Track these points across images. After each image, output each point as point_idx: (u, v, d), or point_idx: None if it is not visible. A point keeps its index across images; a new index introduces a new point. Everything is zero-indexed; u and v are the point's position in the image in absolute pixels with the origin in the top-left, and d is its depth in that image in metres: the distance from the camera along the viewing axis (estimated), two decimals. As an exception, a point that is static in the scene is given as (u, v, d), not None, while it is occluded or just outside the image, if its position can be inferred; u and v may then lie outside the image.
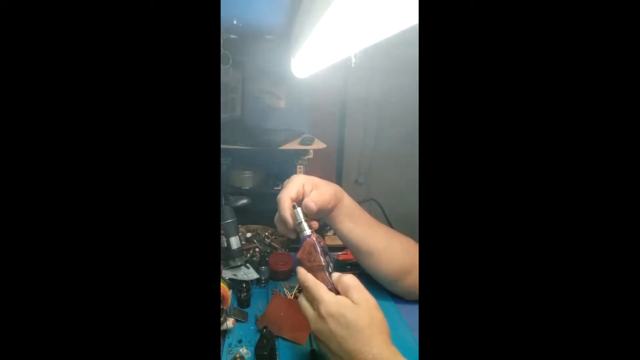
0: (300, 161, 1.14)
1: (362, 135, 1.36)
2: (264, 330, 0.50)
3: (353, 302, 0.40)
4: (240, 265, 0.65)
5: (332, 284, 0.43)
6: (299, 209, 0.47)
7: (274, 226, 0.53)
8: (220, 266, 0.62)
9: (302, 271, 0.44)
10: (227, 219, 0.64)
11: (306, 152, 1.12)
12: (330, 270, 0.44)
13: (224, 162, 1.02)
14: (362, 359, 0.37)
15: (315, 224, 0.48)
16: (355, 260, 0.66)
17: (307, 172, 0.80)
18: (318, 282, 0.42)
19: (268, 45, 1.08)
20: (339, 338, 0.38)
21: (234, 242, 0.63)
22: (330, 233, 0.85)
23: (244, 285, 0.62)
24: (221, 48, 0.90)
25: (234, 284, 0.62)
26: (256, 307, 0.62)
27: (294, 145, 1.10)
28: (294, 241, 0.83)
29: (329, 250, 0.47)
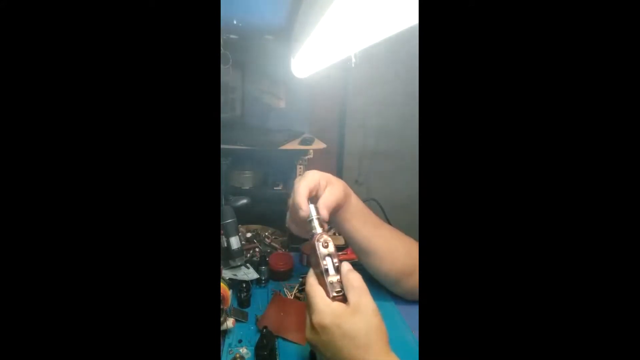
0: (300, 161, 1.14)
1: (362, 135, 1.36)
2: (264, 330, 0.50)
3: (350, 305, 0.39)
4: (240, 265, 0.65)
5: (334, 285, 0.41)
6: (312, 206, 0.47)
7: (274, 226, 0.53)
8: (220, 266, 0.62)
9: (309, 273, 0.43)
10: (227, 219, 0.64)
11: (306, 152, 1.12)
12: (333, 273, 0.42)
13: (224, 162, 1.02)
14: None
15: (326, 225, 0.48)
16: (355, 260, 0.66)
17: (307, 172, 0.80)
18: (316, 287, 0.41)
19: (268, 45, 1.08)
20: (334, 349, 0.37)
21: (234, 242, 0.63)
22: (330, 233, 0.85)
23: (244, 285, 0.62)
24: (221, 48, 0.90)
25: (234, 284, 0.62)
26: (256, 307, 0.62)
27: (294, 145, 1.10)
28: (294, 241, 0.83)
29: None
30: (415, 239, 0.60)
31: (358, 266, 0.65)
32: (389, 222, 0.81)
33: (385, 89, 1.29)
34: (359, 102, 1.31)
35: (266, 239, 0.85)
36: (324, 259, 0.42)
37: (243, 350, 0.52)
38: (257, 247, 0.82)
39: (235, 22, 0.79)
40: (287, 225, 0.52)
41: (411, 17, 0.28)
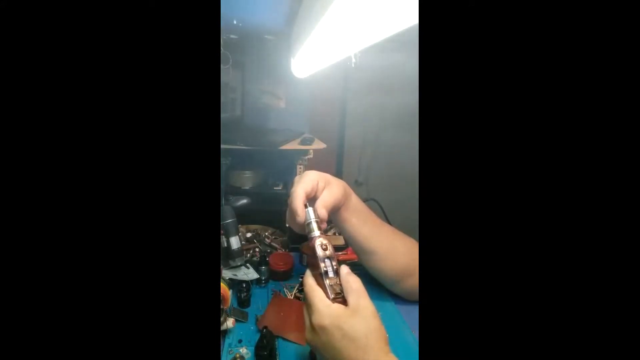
0: (300, 161, 1.14)
1: (362, 135, 1.36)
2: (264, 330, 0.50)
3: (349, 307, 0.39)
4: (240, 265, 0.65)
5: (333, 287, 0.41)
6: (310, 209, 0.47)
7: (274, 226, 0.53)
8: (220, 266, 0.62)
9: (306, 274, 0.43)
10: (227, 219, 0.64)
11: (306, 152, 1.12)
12: (332, 275, 0.43)
13: (224, 162, 1.03)
14: None
15: (324, 225, 0.48)
16: (355, 261, 0.66)
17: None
18: (315, 288, 0.41)
19: (268, 45, 1.08)
20: (334, 350, 0.37)
21: (234, 242, 0.63)
22: (331, 232, 0.85)
23: (244, 285, 0.62)
24: (221, 48, 0.90)
25: (234, 284, 0.62)
26: (256, 307, 0.62)
27: (294, 145, 1.10)
28: (294, 241, 0.84)
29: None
30: (415, 239, 0.60)
31: (358, 266, 0.66)
32: (389, 222, 0.81)
33: (385, 88, 1.29)
34: (359, 102, 1.31)
35: (266, 239, 0.85)
36: (323, 261, 0.42)
37: (243, 350, 0.52)
38: (257, 247, 0.82)
39: (235, 22, 0.79)
40: (287, 224, 0.51)
41: (411, 17, 0.28)
